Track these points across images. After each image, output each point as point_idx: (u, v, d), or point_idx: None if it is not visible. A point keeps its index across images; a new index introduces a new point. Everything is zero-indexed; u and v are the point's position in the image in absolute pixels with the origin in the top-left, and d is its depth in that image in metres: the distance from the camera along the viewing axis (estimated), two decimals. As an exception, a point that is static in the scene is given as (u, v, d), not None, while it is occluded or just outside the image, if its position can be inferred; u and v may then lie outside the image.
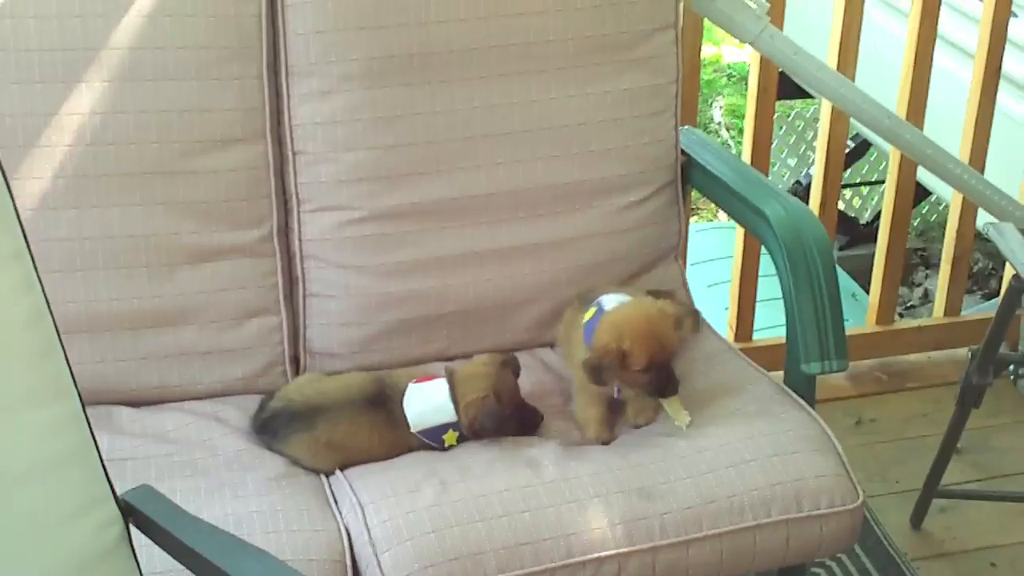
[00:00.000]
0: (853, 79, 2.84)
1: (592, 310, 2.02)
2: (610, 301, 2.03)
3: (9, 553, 1.38)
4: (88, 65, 2.00)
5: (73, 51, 1.99)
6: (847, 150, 4.50)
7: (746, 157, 2.92)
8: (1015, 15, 2.96)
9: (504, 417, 1.97)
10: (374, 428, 1.96)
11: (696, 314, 2.05)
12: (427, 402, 1.97)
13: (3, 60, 1.97)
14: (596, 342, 1.96)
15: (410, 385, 1.99)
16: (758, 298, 3.02)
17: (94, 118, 2.01)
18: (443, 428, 1.96)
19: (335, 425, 1.95)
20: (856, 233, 4.48)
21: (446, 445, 1.97)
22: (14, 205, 1.45)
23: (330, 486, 1.92)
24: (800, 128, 4.85)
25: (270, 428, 1.98)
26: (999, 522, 2.64)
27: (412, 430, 1.96)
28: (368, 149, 2.13)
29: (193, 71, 2.04)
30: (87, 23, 1.99)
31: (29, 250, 1.46)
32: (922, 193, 4.17)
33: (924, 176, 3.33)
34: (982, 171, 2.98)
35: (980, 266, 4.31)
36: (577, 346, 2.03)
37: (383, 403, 1.97)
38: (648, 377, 1.94)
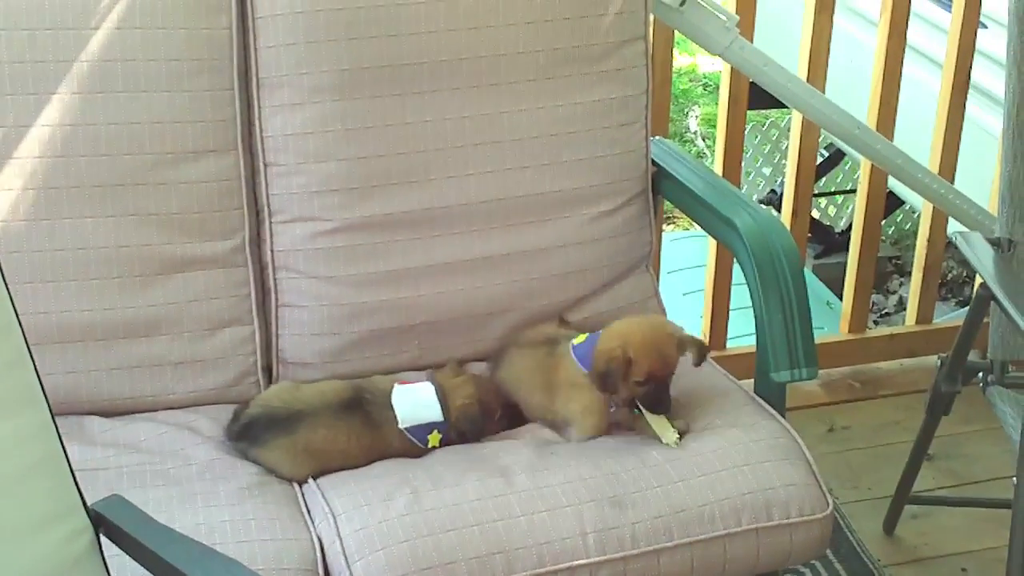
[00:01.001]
0: (823, 90, 2.86)
1: (583, 335, 2.02)
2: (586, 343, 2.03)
3: (-22, 564, 1.38)
4: (59, 77, 2.00)
5: (44, 63, 1.99)
6: (822, 159, 4.54)
7: (718, 166, 2.94)
8: (984, 26, 2.99)
9: (486, 423, 2.03)
10: (352, 432, 1.97)
11: (703, 346, 2.03)
12: (416, 400, 2.01)
13: (-27, 73, 1.97)
14: (600, 348, 1.96)
15: (396, 386, 2.03)
16: (734, 306, 3.04)
17: (65, 130, 2.01)
18: (429, 427, 1.99)
19: (314, 430, 1.96)
20: (831, 242, 4.51)
21: (429, 446, 1.99)
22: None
23: (303, 495, 1.92)
24: (775, 137, 4.89)
25: (248, 435, 1.99)
26: (970, 528, 2.66)
27: (400, 426, 1.98)
28: (339, 160, 2.14)
29: (164, 83, 2.05)
30: (58, 35, 2.00)
31: (-3, 261, 1.46)
32: (896, 202, 4.20)
33: (896, 185, 3.36)
34: (952, 180, 3.01)
35: (954, 274, 4.34)
36: (563, 379, 2.02)
37: (361, 407, 1.99)
38: (644, 391, 1.94)
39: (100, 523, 1.52)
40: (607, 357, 1.94)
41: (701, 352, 2.01)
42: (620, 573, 1.82)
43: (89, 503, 1.53)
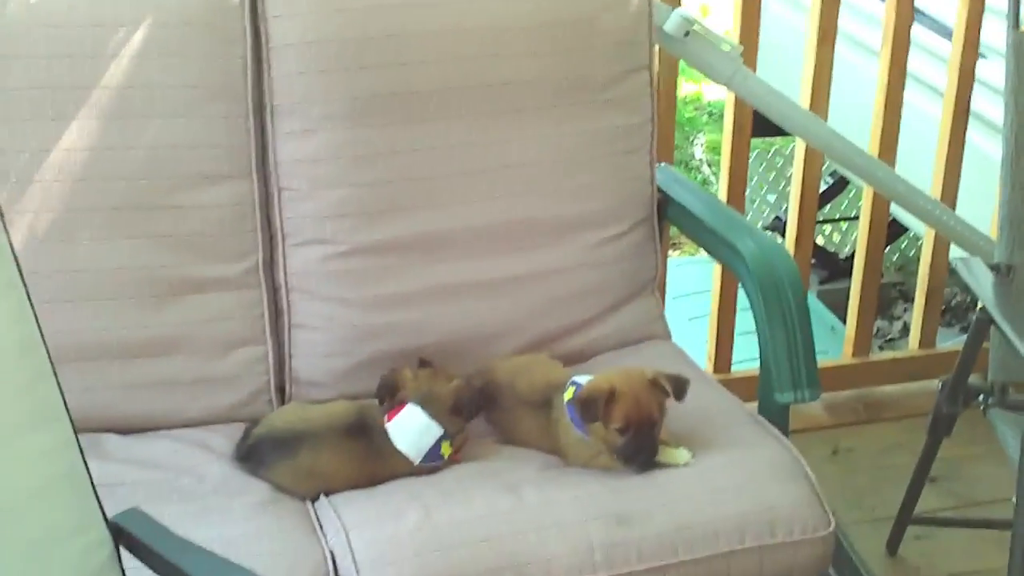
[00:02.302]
0: (825, 118, 2.91)
1: (571, 388, 2.02)
2: (583, 379, 2.03)
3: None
4: (77, 103, 2.04)
5: (62, 89, 2.04)
6: (827, 186, 4.57)
7: (723, 194, 2.98)
8: (983, 56, 3.04)
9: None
10: (355, 457, 1.99)
11: (679, 380, 1.97)
12: (413, 429, 2.00)
13: (-6, 99, 2.01)
14: (586, 387, 1.97)
15: (387, 425, 2.01)
16: (739, 331, 3.06)
17: (83, 154, 2.05)
18: (437, 445, 2.00)
19: (317, 453, 1.98)
20: (835, 268, 4.53)
21: (446, 458, 2.00)
22: (7, 237, 1.50)
23: (315, 510, 1.94)
24: (779, 165, 4.92)
25: (254, 455, 2.01)
26: (972, 549, 2.68)
27: (416, 463, 1.98)
28: (350, 186, 2.18)
29: (181, 109, 2.09)
30: (75, 62, 2.04)
31: (22, 280, 1.50)
32: (900, 229, 4.23)
33: (899, 212, 3.40)
34: (954, 207, 3.04)
35: (958, 300, 4.36)
36: (565, 444, 2.01)
37: (364, 433, 2.00)
38: (623, 440, 1.94)
39: (119, 535, 1.55)
40: (593, 388, 1.95)
41: (678, 386, 1.97)
42: (627, 588, 1.84)
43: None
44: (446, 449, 2.01)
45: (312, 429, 2.01)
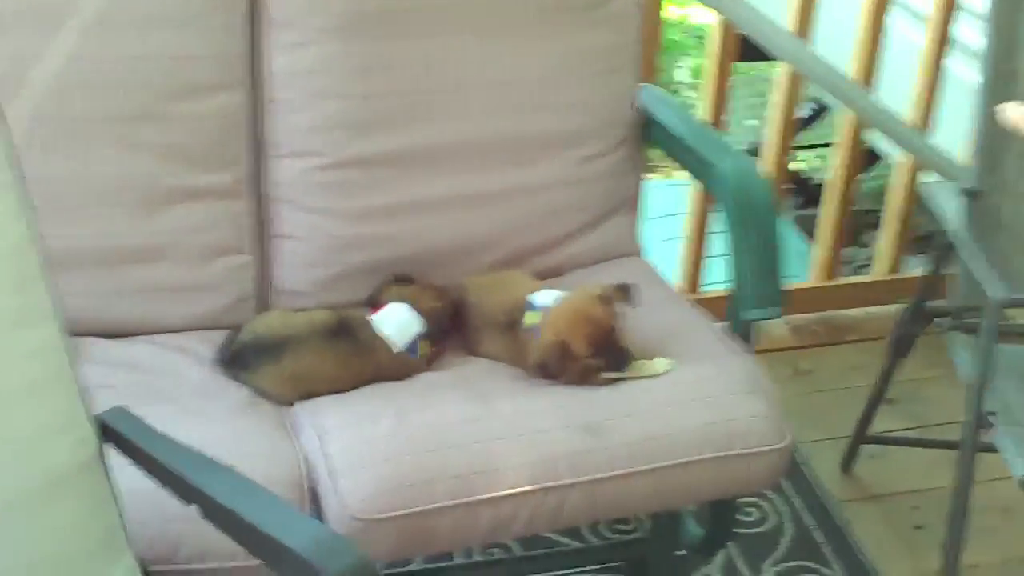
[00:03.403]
0: (809, 43, 2.93)
1: (530, 314, 2.08)
2: (543, 297, 2.10)
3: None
4: (70, 10, 2.04)
5: (56, -4, 2.03)
6: (809, 114, 4.60)
7: (704, 115, 3.01)
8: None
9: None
10: (338, 358, 2.04)
11: (627, 288, 2.06)
12: (398, 321, 2.10)
13: (-16, 5, 2.01)
14: (539, 344, 2.02)
15: (372, 317, 2.11)
16: (714, 254, 3.11)
17: (76, 62, 2.05)
18: (416, 339, 2.10)
19: (300, 356, 2.03)
20: (812, 194, 4.58)
21: (420, 354, 2.10)
22: (7, 136, 1.53)
23: (291, 415, 1.99)
24: (761, 91, 4.94)
25: (239, 360, 2.06)
26: (924, 468, 2.76)
27: (396, 350, 2.07)
28: (341, 98, 2.20)
29: (176, 19, 2.09)
30: (70, -29, 2.03)
31: (20, 180, 1.53)
32: (874, 157, 4.27)
33: (876, 140, 3.43)
34: (930, 133, 3.08)
35: (931, 229, 4.40)
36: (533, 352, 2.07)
37: (347, 332, 2.07)
38: (600, 360, 2.00)
39: (105, 432, 1.59)
40: (544, 349, 2.01)
41: (626, 293, 2.05)
42: (590, 495, 1.91)
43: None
44: (423, 348, 2.09)
45: (295, 334, 2.06)
